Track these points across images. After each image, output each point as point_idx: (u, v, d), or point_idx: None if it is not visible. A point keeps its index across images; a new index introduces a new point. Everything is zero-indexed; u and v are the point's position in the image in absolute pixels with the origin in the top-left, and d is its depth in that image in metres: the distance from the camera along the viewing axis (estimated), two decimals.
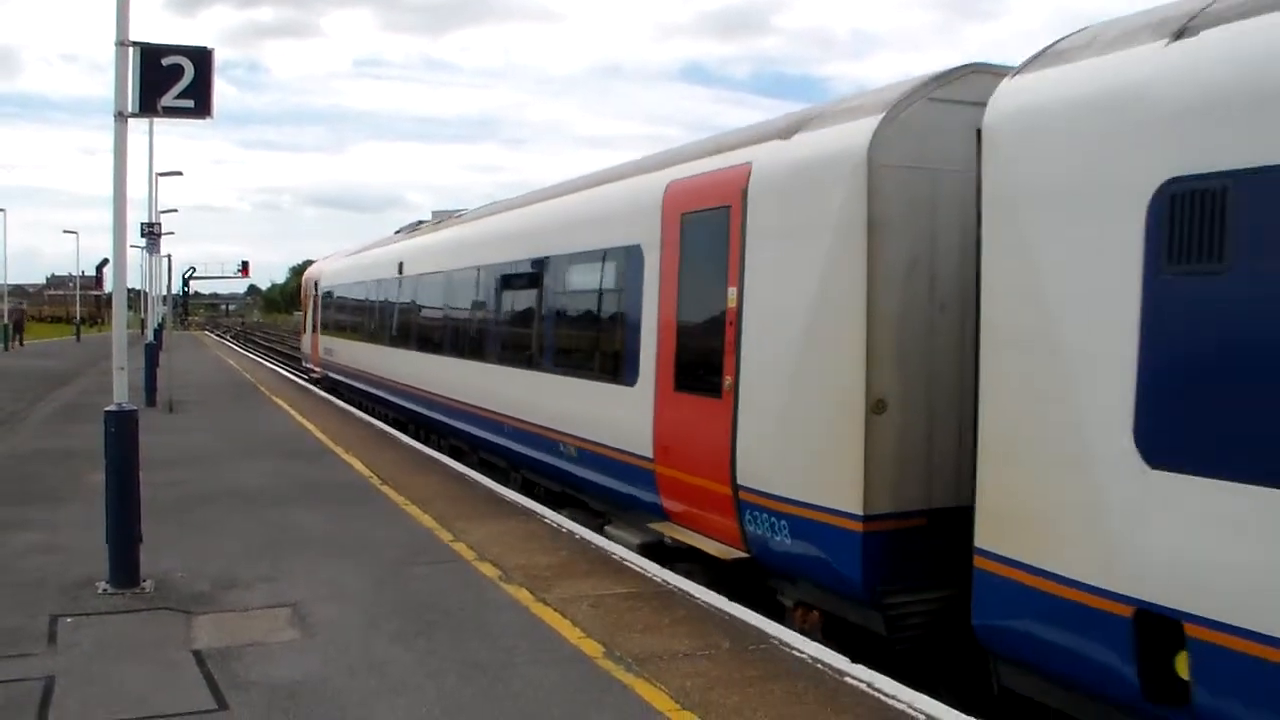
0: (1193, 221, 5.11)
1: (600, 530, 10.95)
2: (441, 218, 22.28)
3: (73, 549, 9.44)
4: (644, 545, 9.98)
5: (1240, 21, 5.15)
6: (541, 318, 13.32)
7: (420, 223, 24.43)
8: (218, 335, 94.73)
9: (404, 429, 20.10)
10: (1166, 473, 5.19)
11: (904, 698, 6.16)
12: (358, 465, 14.90)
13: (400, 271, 21.28)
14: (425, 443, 18.24)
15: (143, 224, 24.29)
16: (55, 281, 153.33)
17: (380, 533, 10.49)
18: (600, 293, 11.72)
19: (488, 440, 15.28)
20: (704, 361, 9.21)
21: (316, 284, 32.23)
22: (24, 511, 11.27)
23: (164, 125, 27.35)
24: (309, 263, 34.86)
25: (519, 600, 8.13)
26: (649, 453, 9.96)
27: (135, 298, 59.99)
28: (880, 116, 7.51)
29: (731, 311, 8.74)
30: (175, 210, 64.55)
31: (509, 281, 14.77)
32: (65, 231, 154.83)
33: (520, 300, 14.39)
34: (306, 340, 34.71)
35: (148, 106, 8.35)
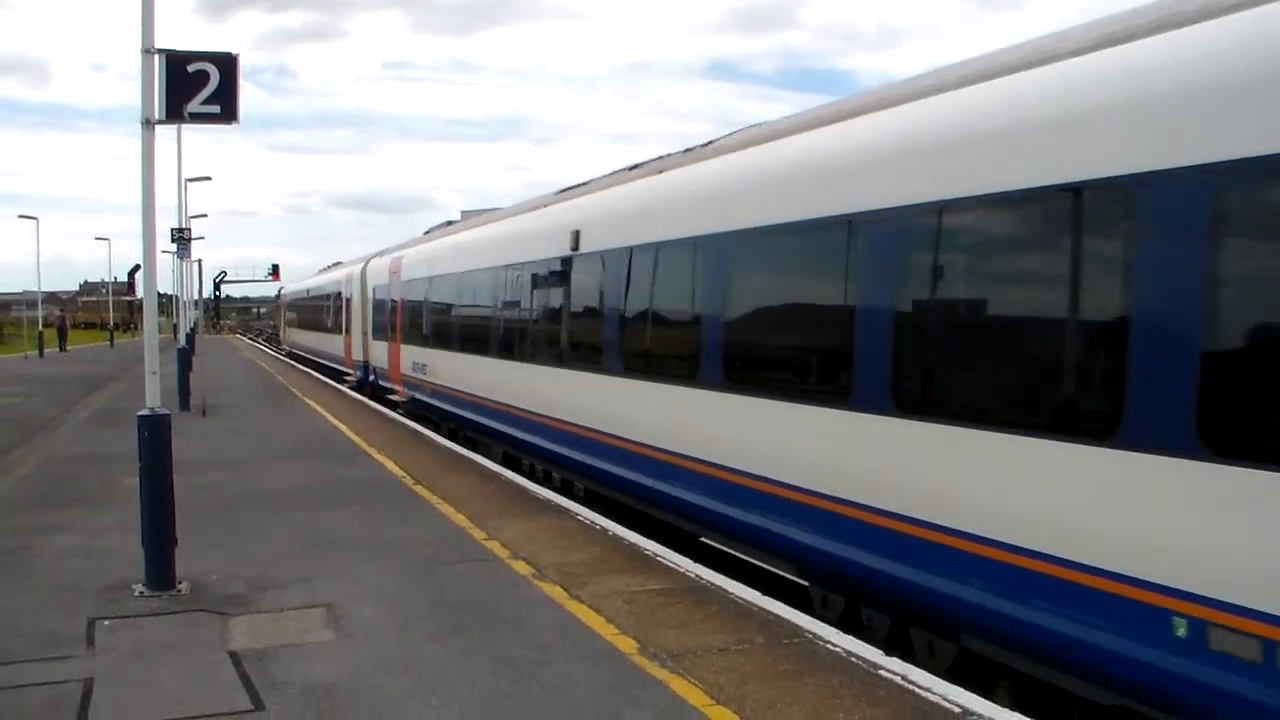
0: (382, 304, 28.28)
1: (343, 382, 34.41)
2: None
3: (109, 552, 9.55)
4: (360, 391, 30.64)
5: (410, 249, 26.11)
6: (325, 313, 41.53)
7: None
8: (250, 339, 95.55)
9: (336, 378, 36.92)
10: (383, 341, 26.71)
11: (938, 690, 6.11)
12: (391, 466, 14.97)
13: (307, 292, 49.60)
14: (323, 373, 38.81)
15: (172, 229, 24.40)
16: (88, 288, 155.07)
17: (414, 532, 10.54)
18: (337, 306, 37.10)
19: (333, 368, 37.20)
20: (350, 325, 33.70)
21: (279, 297, 62.27)
22: (61, 515, 11.42)
23: (192, 130, 27.77)
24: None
25: (553, 598, 8.14)
26: (344, 354, 35.09)
27: (167, 302, 60.54)
28: (365, 263, 31.74)
29: (353, 306, 33.12)
30: (205, 215, 65.23)
31: (317, 301, 44.63)
32: (97, 238, 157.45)
33: (319, 308, 43.27)
34: (283, 331, 67.54)
35: (174, 113, 8.37)
